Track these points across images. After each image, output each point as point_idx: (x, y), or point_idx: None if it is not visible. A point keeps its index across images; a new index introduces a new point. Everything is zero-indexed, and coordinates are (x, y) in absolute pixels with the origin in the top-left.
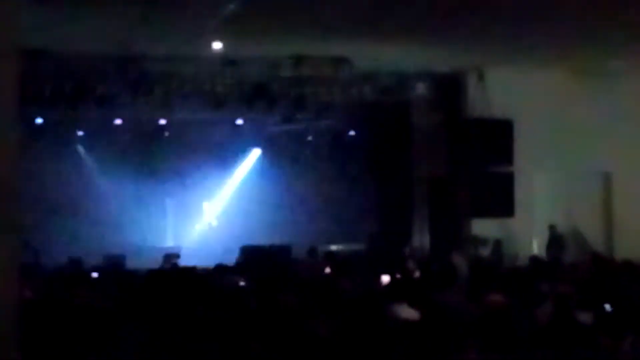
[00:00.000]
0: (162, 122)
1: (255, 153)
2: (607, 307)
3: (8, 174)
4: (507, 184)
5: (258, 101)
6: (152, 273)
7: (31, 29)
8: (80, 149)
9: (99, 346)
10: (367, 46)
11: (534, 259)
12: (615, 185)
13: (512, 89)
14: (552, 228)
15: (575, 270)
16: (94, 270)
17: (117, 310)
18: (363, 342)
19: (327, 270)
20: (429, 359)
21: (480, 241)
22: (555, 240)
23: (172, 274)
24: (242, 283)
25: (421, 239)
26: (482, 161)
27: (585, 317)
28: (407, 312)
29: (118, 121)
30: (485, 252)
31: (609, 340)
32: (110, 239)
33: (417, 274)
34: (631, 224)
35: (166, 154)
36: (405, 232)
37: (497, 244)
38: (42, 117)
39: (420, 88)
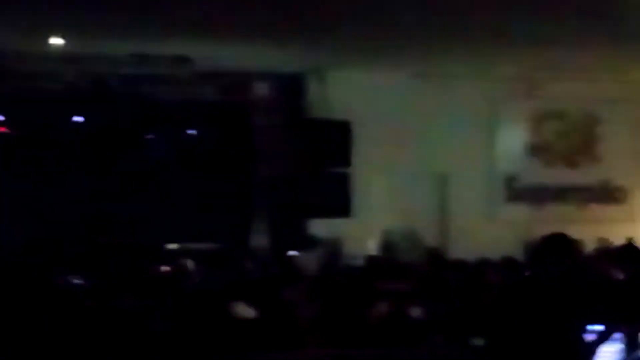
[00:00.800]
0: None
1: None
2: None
3: None
4: (344, 184)
5: (97, 99)
6: None
7: None
8: None
9: None
10: (207, 45)
11: (371, 259)
12: (451, 187)
13: (352, 90)
14: (387, 231)
15: (411, 268)
16: None
17: None
18: (201, 340)
19: (166, 268)
20: (268, 355)
21: (318, 241)
22: (390, 242)
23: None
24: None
25: (260, 239)
26: (320, 162)
27: (417, 312)
28: (244, 311)
29: None
30: (322, 252)
31: (441, 337)
32: None
33: (255, 273)
34: (465, 226)
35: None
36: (244, 232)
37: (335, 243)
38: None
39: (261, 88)
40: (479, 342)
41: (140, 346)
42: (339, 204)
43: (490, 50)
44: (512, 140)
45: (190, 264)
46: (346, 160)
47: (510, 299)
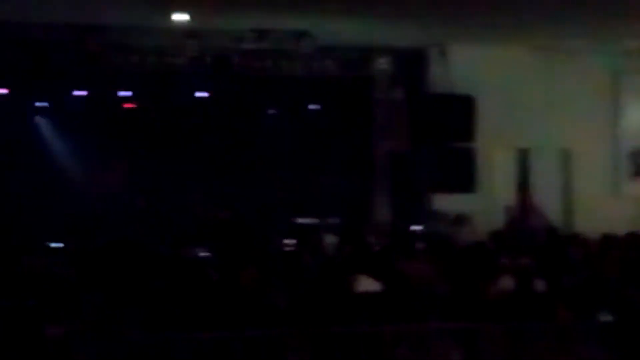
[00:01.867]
0: (122, 94)
1: (217, 127)
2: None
3: None
4: (467, 159)
5: (219, 74)
6: (111, 243)
7: None
8: (40, 120)
9: (58, 313)
10: (329, 20)
11: (494, 234)
12: (574, 162)
13: (473, 65)
14: (510, 207)
15: (534, 243)
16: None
17: (77, 278)
18: (323, 314)
19: (289, 242)
20: (391, 328)
21: (441, 216)
22: (513, 217)
23: (132, 244)
24: (202, 254)
25: (382, 214)
26: (443, 137)
27: (541, 285)
28: (368, 284)
29: (77, 93)
30: (445, 227)
31: (564, 309)
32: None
33: (378, 247)
34: (589, 201)
35: (126, 127)
36: (366, 207)
37: (458, 219)
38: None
39: (383, 63)
40: (605, 317)
41: (264, 318)
42: (462, 179)
43: (613, 23)
44: (637, 115)
45: (316, 237)
46: (469, 135)
47: (635, 274)
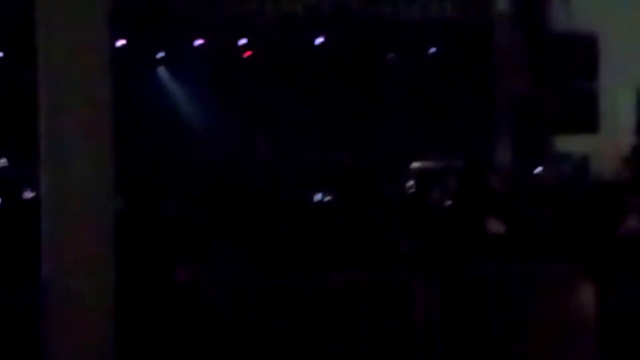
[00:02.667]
0: (243, 42)
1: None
2: None
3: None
4: (591, 100)
5: (338, 19)
6: (237, 189)
7: None
8: (162, 70)
9: (190, 257)
10: None
11: (620, 174)
12: None
13: (595, 3)
14: (636, 147)
15: None
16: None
17: (209, 224)
18: (450, 256)
19: (411, 185)
20: (519, 268)
21: (566, 157)
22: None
23: (256, 190)
24: (327, 199)
25: (504, 157)
26: (566, 77)
27: None
28: (494, 226)
29: (198, 41)
30: (570, 168)
31: None
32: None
33: (501, 190)
34: None
35: (245, 75)
36: (488, 149)
37: (583, 160)
38: (121, 38)
39: (502, 4)
40: None
41: (390, 261)
42: (586, 119)
43: None
44: None
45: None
46: (592, 75)
47: None
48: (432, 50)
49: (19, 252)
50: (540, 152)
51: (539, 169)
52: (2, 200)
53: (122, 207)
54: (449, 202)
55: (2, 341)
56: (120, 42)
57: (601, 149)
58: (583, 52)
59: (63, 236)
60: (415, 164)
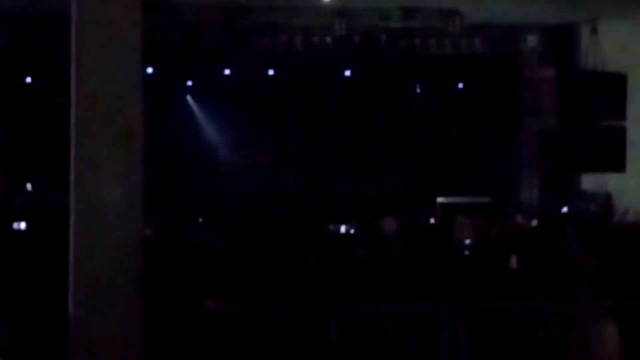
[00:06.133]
0: (271, 73)
1: (364, 106)
2: None
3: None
4: (618, 138)
5: (366, 52)
6: (263, 219)
7: None
8: (190, 99)
9: (215, 285)
10: None
11: None
12: None
13: (625, 42)
14: None
15: None
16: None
17: (232, 252)
18: (475, 290)
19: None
20: (539, 305)
21: (590, 196)
22: None
23: (283, 220)
24: (352, 231)
25: (530, 194)
26: (594, 115)
27: None
28: (517, 262)
29: (227, 71)
30: (594, 207)
31: None
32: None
33: (526, 227)
34: None
35: (274, 105)
36: (514, 186)
37: (607, 198)
38: (151, 66)
39: (532, 41)
40: None
41: (415, 294)
42: (613, 158)
43: None
44: None
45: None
46: (620, 114)
47: None
48: (460, 85)
49: (46, 277)
50: (566, 189)
51: (564, 209)
52: (29, 225)
53: (150, 233)
54: (474, 238)
55: None
56: (149, 70)
57: (627, 188)
58: (612, 90)
59: (92, 261)
60: (441, 199)
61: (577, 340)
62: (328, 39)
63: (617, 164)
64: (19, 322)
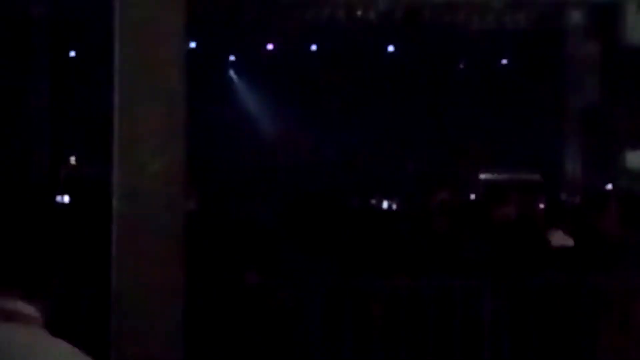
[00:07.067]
0: (313, 48)
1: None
2: None
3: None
4: None
5: (409, 28)
6: (305, 193)
7: None
8: (233, 74)
9: (257, 260)
10: None
11: None
12: None
13: None
14: None
15: None
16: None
17: (275, 226)
18: (518, 266)
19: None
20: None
21: (634, 174)
22: None
23: (324, 195)
24: (394, 207)
25: (573, 170)
26: (637, 91)
27: None
28: (561, 239)
29: (269, 46)
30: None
31: None
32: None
33: (570, 202)
34: None
35: (318, 80)
36: (557, 164)
37: None
38: (194, 41)
39: (576, 16)
40: None
41: (456, 269)
42: None
43: None
44: None
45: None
46: None
47: None
48: (504, 61)
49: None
50: (610, 166)
51: (609, 186)
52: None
53: (194, 207)
54: (518, 214)
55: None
56: (192, 44)
57: None
58: None
59: (134, 235)
60: (484, 175)
61: (620, 315)
62: (371, 13)
63: None
64: (62, 296)
